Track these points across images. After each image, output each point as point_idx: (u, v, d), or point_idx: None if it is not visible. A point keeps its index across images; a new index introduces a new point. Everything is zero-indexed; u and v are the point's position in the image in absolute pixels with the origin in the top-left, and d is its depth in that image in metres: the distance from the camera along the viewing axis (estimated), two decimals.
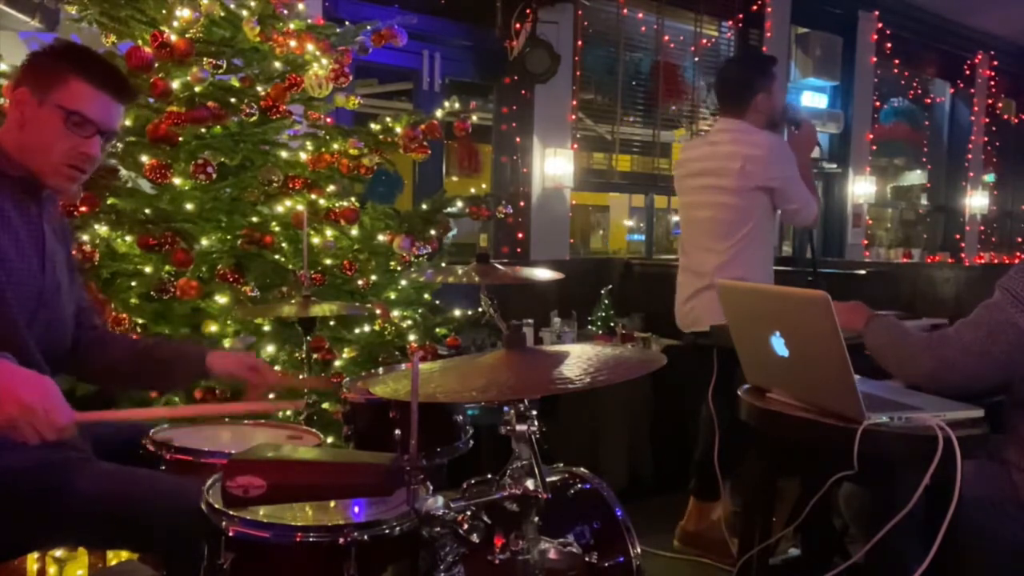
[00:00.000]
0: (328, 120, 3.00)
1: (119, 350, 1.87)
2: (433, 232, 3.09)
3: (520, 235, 4.87)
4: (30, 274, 1.62)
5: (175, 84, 2.50)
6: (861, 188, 7.22)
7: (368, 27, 3.02)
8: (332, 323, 2.85)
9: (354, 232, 2.95)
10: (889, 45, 7.28)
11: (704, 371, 2.96)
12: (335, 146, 2.88)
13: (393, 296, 3.07)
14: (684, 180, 3.11)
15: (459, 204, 3.20)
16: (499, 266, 1.86)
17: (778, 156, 2.89)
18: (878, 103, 7.67)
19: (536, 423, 1.30)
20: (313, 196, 2.78)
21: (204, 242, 2.59)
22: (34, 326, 1.61)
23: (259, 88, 2.69)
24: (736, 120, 3.01)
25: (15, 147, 1.62)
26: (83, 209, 2.36)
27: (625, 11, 5.54)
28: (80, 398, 2.14)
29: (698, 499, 3.08)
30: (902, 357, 1.87)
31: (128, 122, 2.46)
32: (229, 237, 2.66)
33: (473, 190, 3.84)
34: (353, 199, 2.92)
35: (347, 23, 3.11)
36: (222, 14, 2.61)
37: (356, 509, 1.41)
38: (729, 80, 3.12)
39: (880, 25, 7.13)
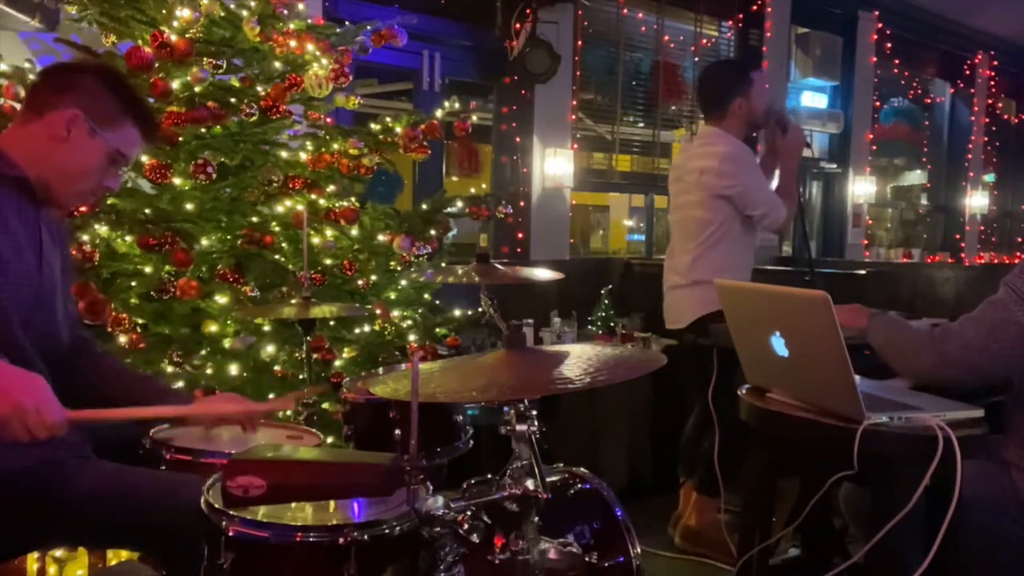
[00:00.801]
0: (328, 120, 3.00)
1: (108, 368, 1.81)
2: (433, 232, 3.09)
3: (520, 235, 4.87)
4: (27, 275, 1.61)
5: (175, 84, 2.50)
6: (861, 188, 7.22)
7: (368, 27, 3.02)
8: (332, 323, 2.85)
9: (354, 232, 2.95)
10: (889, 45, 7.28)
11: (704, 371, 2.97)
12: (335, 146, 2.88)
13: (393, 296, 3.07)
14: (670, 184, 3.24)
15: (459, 204, 3.20)
16: (499, 266, 1.86)
17: (732, 166, 2.94)
18: (878, 103, 7.67)
19: (536, 423, 1.30)
20: (313, 196, 2.78)
21: (204, 242, 2.59)
22: (30, 327, 1.60)
23: (259, 88, 2.68)
24: (713, 127, 3.10)
25: (28, 154, 1.61)
26: (83, 209, 2.35)
27: (625, 11, 5.54)
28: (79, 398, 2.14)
29: (703, 494, 3.07)
30: (904, 352, 1.87)
31: None
32: (229, 237, 2.66)
33: (473, 190, 3.84)
34: (353, 199, 2.92)
35: (347, 23, 3.11)
36: (222, 14, 2.61)
37: (356, 509, 1.41)
38: (706, 86, 3.20)
39: (880, 25, 7.13)
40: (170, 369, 2.47)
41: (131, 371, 1.91)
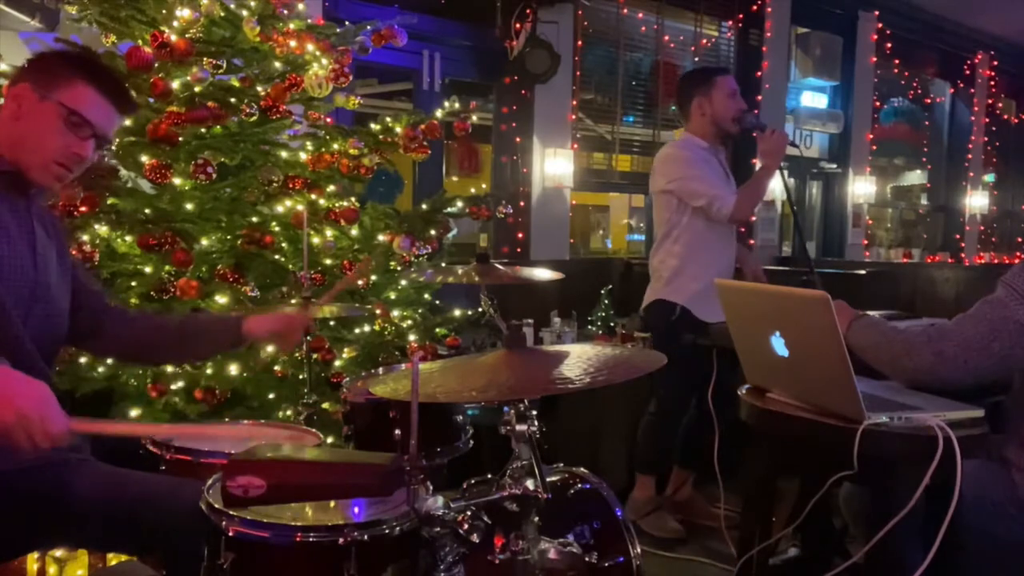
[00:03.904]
0: (328, 120, 2.99)
1: (145, 326, 1.91)
2: (433, 232, 3.08)
3: (520, 235, 4.87)
4: (23, 270, 1.61)
5: (175, 84, 2.50)
6: (861, 188, 7.22)
7: (368, 27, 3.02)
8: (332, 323, 2.85)
9: (354, 232, 2.95)
10: (889, 45, 7.28)
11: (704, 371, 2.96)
12: (335, 146, 2.88)
13: (393, 296, 3.07)
14: None
15: (459, 204, 3.20)
16: (499, 266, 1.86)
17: (669, 163, 3.12)
18: (878, 103, 7.67)
19: (536, 423, 1.30)
20: (313, 196, 2.78)
21: (204, 242, 2.59)
22: (29, 322, 1.61)
23: (259, 88, 2.68)
24: (682, 131, 3.27)
25: (5, 142, 1.61)
26: (83, 209, 2.36)
27: (625, 11, 5.54)
28: (80, 399, 2.15)
29: (681, 467, 3.34)
30: (897, 352, 1.85)
31: (128, 122, 2.46)
32: (229, 237, 2.66)
33: (473, 190, 3.84)
34: (353, 199, 2.92)
35: (347, 23, 3.11)
36: (222, 14, 2.61)
37: (356, 509, 1.41)
38: (675, 93, 3.43)
39: (880, 25, 7.13)
40: (170, 369, 2.47)
41: (169, 320, 2.03)
